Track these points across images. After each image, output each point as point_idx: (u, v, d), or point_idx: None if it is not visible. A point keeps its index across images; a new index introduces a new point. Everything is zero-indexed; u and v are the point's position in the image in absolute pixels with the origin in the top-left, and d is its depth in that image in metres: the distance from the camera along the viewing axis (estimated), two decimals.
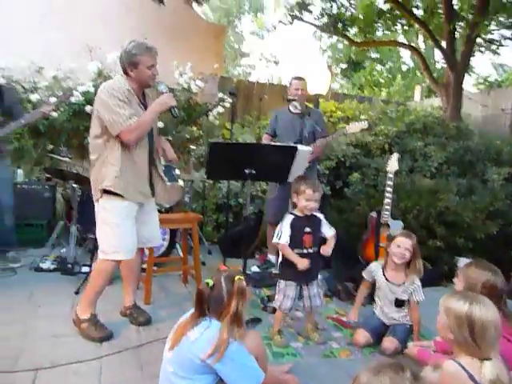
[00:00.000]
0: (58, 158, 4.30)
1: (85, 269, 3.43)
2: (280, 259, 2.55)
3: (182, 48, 5.87)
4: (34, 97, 4.74)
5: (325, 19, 6.94)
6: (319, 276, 3.63)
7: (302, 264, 2.39)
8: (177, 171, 3.95)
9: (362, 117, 3.73)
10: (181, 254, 3.70)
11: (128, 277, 2.71)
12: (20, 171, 4.50)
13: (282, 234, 2.45)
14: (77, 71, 5.08)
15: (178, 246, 3.92)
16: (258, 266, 3.86)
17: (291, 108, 3.70)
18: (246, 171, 2.50)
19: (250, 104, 6.40)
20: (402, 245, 2.49)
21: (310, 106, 4.48)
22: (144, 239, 2.60)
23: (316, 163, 3.81)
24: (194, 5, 6.63)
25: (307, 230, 2.45)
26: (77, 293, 3.07)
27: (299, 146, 2.68)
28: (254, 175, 2.53)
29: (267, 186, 4.48)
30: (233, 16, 17.98)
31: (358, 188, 4.45)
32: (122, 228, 2.38)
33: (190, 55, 5.77)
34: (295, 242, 2.44)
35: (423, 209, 4.02)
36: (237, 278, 1.61)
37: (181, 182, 3.94)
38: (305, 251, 2.45)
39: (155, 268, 3.32)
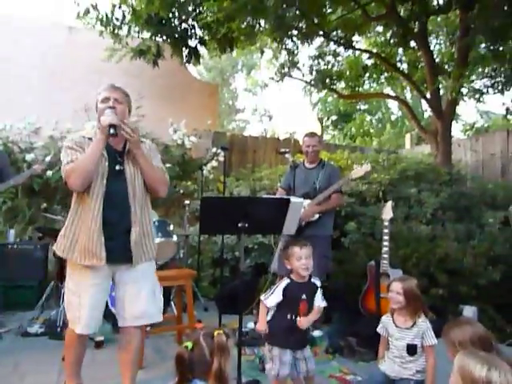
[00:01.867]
0: (52, 216, 4.25)
1: None
2: (269, 322, 2.38)
3: (178, 107, 6.05)
4: (29, 156, 4.79)
5: (313, 75, 7.23)
6: (319, 332, 3.49)
7: (260, 328, 2.32)
8: (171, 226, 3.89)
9: (355, 166, 3.75)
10: (175, 311, 3.55)
11: (123, 360, 2.24)
12: (12, 231, 4.43)
13: (272, 296, 2.34)
14: (74, 131, 5.17)
15: (172, 304, 3.77)
16: (255, 323, 3.68)
17: (306, 163, 3.77)
18: (240, 225, 2.44)
19: (245, 157, 6.47)
20: (393, 289, 2.44)
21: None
22: (128, 315, 2.20)
23: (327, 216, 3.63)
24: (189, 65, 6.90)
25: (303, 297, 2.35)
26: (64, 359, 2.89)
27: (292, 198, 2.64)
28: (248, 228, 2.46)
29: (264, 237, 4.41)
30: (227, 74, 18.79)
31: (355, 237, 4.38)
32: (77, 297, 2.12)
33: (185, 113, 5.94)
34: (290, 307, 2.33)
35: (422, 256, 3.93)
36: (216, 333, 1.52)
37: (175, 238, 3.86)
38: (299, 318, 2.32)
39: (148, 329, 3.15)
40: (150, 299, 2.23)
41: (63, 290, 3.54)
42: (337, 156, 6.03)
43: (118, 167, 2.16)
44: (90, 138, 2.17)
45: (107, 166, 2.13)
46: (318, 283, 2.45)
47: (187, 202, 4.54)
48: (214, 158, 5.05)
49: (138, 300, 2.19)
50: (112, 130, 2.04)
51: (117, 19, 5.17)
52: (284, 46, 6.57)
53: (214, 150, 5.71)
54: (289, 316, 2.31)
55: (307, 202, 3.55)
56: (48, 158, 3.91)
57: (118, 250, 2.13)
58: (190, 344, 1.51)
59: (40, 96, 5.42)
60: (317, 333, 3.45)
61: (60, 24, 5.80)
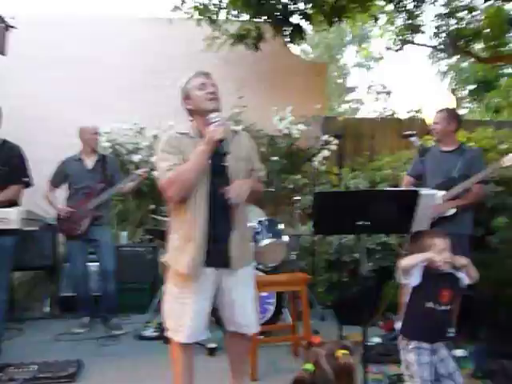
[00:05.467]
0: (160, 218, 4.68)
1: None
2: (402, 316, 2.38)
3: (282, 92, 6.13)
4: (136, 157, 5.33)
5: (441, 38, 6.72)
6: (463, 352, 3.26)
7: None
8: (281, 226, 3.98)
9: (504, 146, 3.34)
10: (289, 320, 3.63)
11: (231, 364, 2.49)
12: (124, 234, 4.99)
13: (413, 275, 2.29)
14: (176, 128, 5.60)
15: (286, 311, 3.87)
16: (382, 336, 3.59)
17: (440, 146, 3.58)
18: (359, 223, 2.39)
19: (360, 144, 6.29)
20: None
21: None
22: (233, 322, 2.36)
23: (466, 211, 3.40)
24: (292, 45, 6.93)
25: (445, 285, 2.30)
26: None
27: (422, 190, 2.50)
28: (369, 227, 2.41)
29: (388, 237, 4.27)
30: (335, 50, 18.47)
31: (506, 236, 3.97)
32: (185, 304, 2.22)
33: (290, 98, 5.99)
34: (429, 294, 2.28)
35: None
36: (339, 353, 1.45)
37: (286, 238, 3.94)
38: (440, 308, 2.27)
39: (261, 337, 3.29)
40: (252, 307, 2.37)
41: None
42: (478, 135, 5.50)
43: (221, 163, 2.20)
44: (187, 133, 2.26)
45: (210, 163, 2.17)
46: (460, 274, 2.34)
47: (297, 197, 4.59)
48: (325, 147, 5.01)
49: (240, 307, 2.31)
50: (220, 147, 2.11)
51: (214, 5, 5.45)
52: (403, 8, 6.22)
53: (325, 137, 5.66)
54: (429, 304, 2.27)
55: (441, 193, 3.33)
56: (153, 158, 4.31)
57: (221, 254, 2.22)
58: (310, 366, 1.46)
59: (141, 96, 5.96)
60: (460, 352, 3.22)
61: (157, 19, 6.29)
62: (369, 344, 3.11)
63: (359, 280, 4.33)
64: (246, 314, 2.34)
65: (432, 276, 2.29)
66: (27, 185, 3.50)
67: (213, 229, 2.20)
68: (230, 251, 2.23)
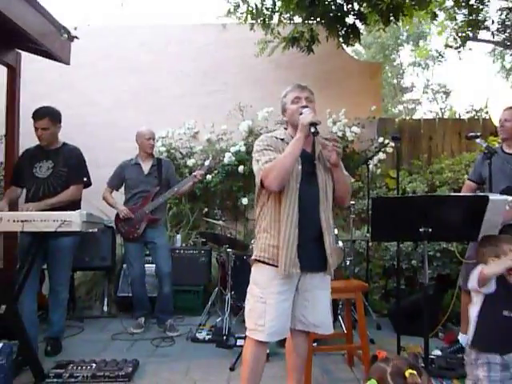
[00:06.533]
0: (212, 221, 4.73)
1: (240, 342, 3.54)
2: (473, 327, 2.24)
3: (335, 94, 6.01)
4: (190, 161, 5.42)
5: (506, 33, 6.33)
6: None
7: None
8: (335, 231, 3.89)
9: None
10: (344, 328, 3.53)
11: (291, 363, 2.48)
12: (178, 236, 5.08)
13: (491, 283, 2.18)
14: (229, 132, 5.65)
15: (340, 318, 3.77)
16: (443, 349, 3.40)
17: (504, 147, 3.39)
18: (421, 230, 2.28)
19: (418, 146, 6.04)
20: None
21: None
22: (306, 321, 2.36)
23: None
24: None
25: None
26: (231, 369, 3.16)
27: (491, 196, 2.34)
28: (431, 234, 2.29)
29: (448, 243, 4.06)
30: (389, 49, 17.97)
31: None
32: (267, 304, 2.24)
33: (344, 100, 5.87)
34: (505, 301, 2.18)
35: None
36: (407, 372, 1.37)
37: (340, 243, 3.85)
38: None
39: (315, 345, 3.22)
40: (328, 309, 2.41)
41: (226, 298, 3.95)
42: None
43: (311, 170, 2.32)
44: (283, 139, 2.35)
45: (300, 169, 2.28)
46: None
47: (352, 202, 4.47)
48: (381, 150, 4.85)
49: (317, 308, 2.35)
50: (313, 129, 2.19)
51: (267, 8, 5.43)
52: (464, 2, 5.92)
53: (381, 140, 5.50)
54: (506, 312, 2.17)
55: (510, 198, 3.11)
56: (207, 162, 4.35)
57: (309, 258, 2.26)
58: (374, 383, 1.41)
59: (195, 100, 6.05)
60: None
61: (211, 24, 6.37)
62: (429, 357, 2.96)
63: (418, 288, 4.16)
64: (323, 316, 2.37)
65: (505, 283, 2.18)
66: (86, 185, 3.63)
67: (307, 231, 2.25)
68: (328, 255, 2.29)
